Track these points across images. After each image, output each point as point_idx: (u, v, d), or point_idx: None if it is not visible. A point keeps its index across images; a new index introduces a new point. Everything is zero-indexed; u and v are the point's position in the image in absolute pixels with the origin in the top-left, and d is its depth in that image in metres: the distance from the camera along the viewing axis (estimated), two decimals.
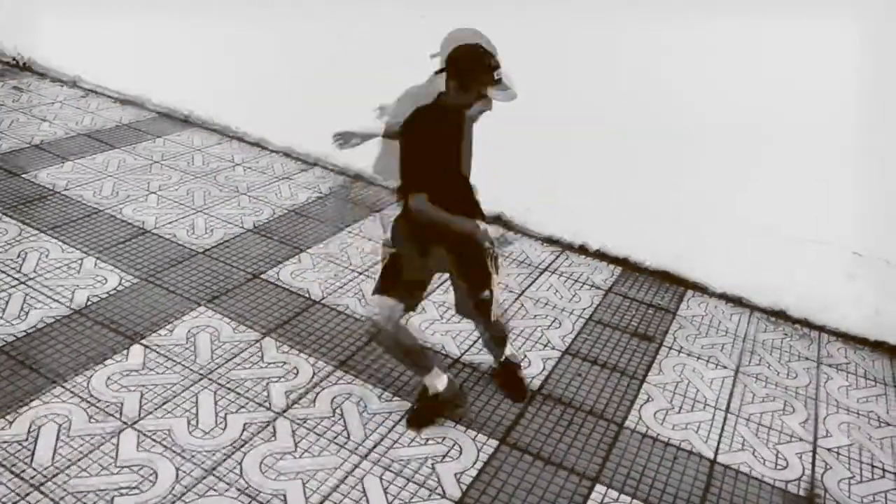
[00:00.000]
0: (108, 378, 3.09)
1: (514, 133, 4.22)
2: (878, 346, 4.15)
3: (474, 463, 2.92)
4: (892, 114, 3.70)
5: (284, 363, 3.33)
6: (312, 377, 3.26)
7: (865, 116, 3.74)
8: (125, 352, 3.25)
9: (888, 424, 3.53)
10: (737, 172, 4.13)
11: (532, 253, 4.68)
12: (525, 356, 3.63)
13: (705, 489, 2.97)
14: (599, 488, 2.90)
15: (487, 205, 3.07)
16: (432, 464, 2.90)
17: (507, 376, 3.40)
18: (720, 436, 3.28)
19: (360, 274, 4.13)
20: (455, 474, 2.87)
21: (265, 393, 3.12)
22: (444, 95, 2.71)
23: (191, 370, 3.18)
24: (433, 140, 2.68)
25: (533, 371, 3.53)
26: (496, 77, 2.60)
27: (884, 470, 3.23)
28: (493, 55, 2.64)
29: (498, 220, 4.95)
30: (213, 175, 5.09)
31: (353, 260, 4.26)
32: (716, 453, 3.17)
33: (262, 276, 3.97)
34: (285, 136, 5.57)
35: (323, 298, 3.85)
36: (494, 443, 3.05)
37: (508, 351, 3.39)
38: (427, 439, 3.01)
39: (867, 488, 3.11)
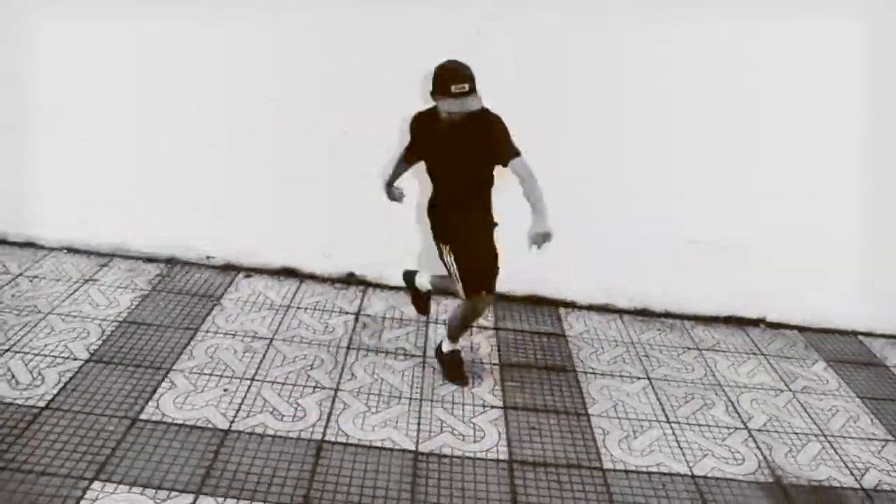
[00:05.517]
0: None
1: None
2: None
3: None
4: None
5: None
6: None
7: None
8: None
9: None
10: None
11: (335, 300, 4.42)
12: (475, 426, 3.40)
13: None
14: None
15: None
16: None
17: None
18: (682, 450, 3.40)
19: (251, 380, 3.53)
20: None
21: None
22: None
23: None
24: (425, 136, 3.33)
25: (488, 442, 3.31)
26: (454, 89, 3.01)
27: (635, 376, 3.62)
28: (463, 72, 3.05)
29: (291, 272, 4.59)
30: None
31: (230, 364, 3.63)
32: (690, 469, 3.28)
33: (141, 417, 3.18)
34: (62, 230, 4.54)
35: (231, 424, 3.21)
36: None
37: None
38: None
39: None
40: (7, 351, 3.51)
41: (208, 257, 4.56)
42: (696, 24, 4.01)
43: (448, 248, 3.42)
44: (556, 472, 3.16)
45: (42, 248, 4.57)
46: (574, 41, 4.07)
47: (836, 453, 3.50)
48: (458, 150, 3.22)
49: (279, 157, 4.30)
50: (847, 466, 3.41)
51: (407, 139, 3.48)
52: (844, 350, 4.51)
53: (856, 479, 3.33)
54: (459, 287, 3.47)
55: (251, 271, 4.58)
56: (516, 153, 3.14)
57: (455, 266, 3.42)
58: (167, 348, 3.70)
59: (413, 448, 3.20)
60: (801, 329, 4.68)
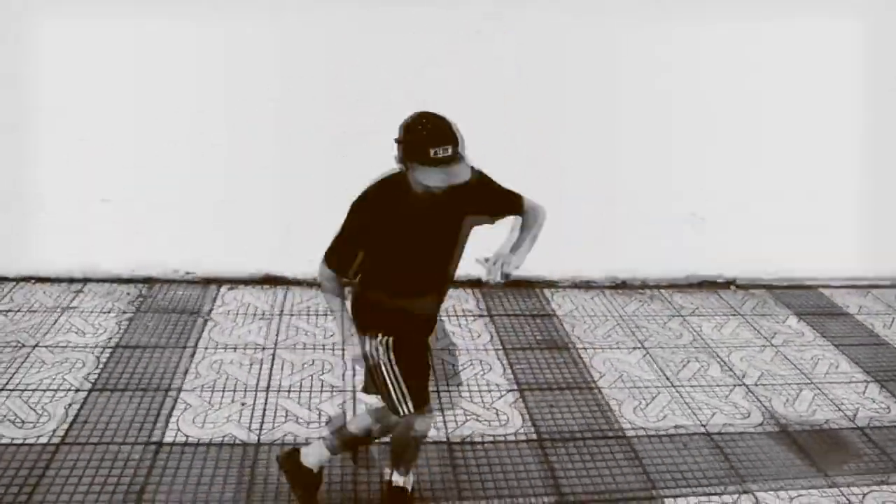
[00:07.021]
0: None
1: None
2: None
3: None
4: None
5: None
6: None
7: None
8: None
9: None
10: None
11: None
12: (497, 411, 3.45)
13: None
14: None
15: None
16: None
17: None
18: (692, 411, 3.56)
19: (265, 391, 3.46)
20: None
21: None
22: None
23: None
24: (389, 217, 2.28)
25: (514, 424, 3.37)
26: (433, 153, 2.09)
27: None
28: (444, 128, 2.13)
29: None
30: None
31: (239, 378, 3.54)
32: (704, 427, 3.44)
33: (165, 440, 3.07)
34: (26, 259, 4.30)
35: (259, 437, 3.15)
36: None
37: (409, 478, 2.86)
38: None
39: None
40: (1, 391, 3.32)
41: (187, 273, 4.42)
42: (696, 24, 4.14)
43: (385, 342, 2.44)
44: (585, 444, 3.27)
45: (7, 278, 4.32)
46: (574, 41, 4.15)
47: (828, 398, 3.75)
48: (440, 225, 2.35)
49: (279, 157, 4.23)
50: (839, 409, 3.66)
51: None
52: (811, 303, 4.83)
53: (850, 420, 3.58)
54: (397, 399, 2.46)
55: (233, 282, 4.48)
56: (518, 194, 2.53)
57: (393, 370, 2.45)
58: (170, 369, 3.58)
59: (445, 439, 3.23)
60: (768, 287, 4.97)
